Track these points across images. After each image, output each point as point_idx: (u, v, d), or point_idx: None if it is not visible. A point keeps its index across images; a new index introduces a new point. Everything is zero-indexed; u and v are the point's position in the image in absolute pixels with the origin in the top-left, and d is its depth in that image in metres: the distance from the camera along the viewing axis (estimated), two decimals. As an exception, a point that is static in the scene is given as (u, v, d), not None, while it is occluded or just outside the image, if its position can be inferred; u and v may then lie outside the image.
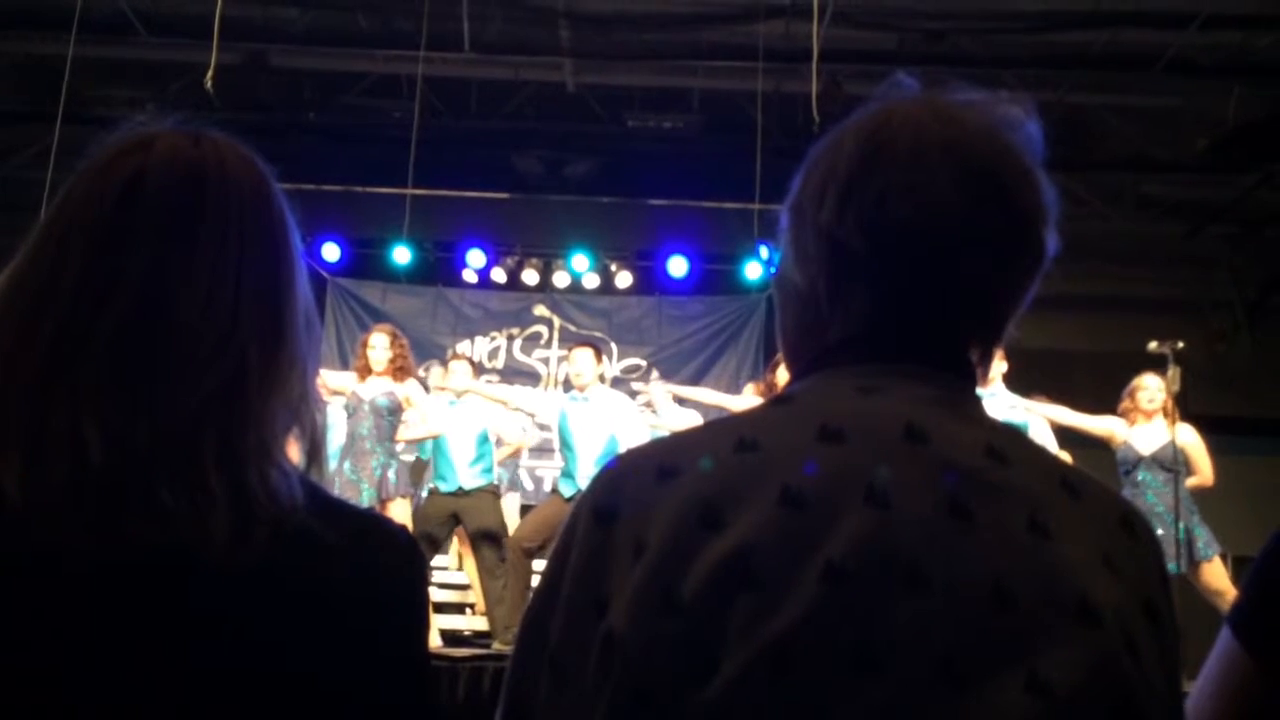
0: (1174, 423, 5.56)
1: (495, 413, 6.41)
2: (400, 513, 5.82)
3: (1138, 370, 5.91)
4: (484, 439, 6.22)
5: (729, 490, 0.71)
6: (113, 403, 0.74)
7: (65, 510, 0.71)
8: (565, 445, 6.09)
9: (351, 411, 5.79)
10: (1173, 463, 5.50)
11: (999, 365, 5.69)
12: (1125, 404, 5.82)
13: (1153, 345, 5.58)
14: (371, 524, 0.82)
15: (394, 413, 5.82)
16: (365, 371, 5.84)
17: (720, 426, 0.78)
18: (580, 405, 6.10)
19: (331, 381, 5.95)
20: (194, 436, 0.74)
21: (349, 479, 5.65)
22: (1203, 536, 5.57)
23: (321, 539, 0.76)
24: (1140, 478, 5.65)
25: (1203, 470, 5.72)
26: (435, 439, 6.18)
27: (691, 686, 0.66)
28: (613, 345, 9.81)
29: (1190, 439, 5.69)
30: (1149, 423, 5.73)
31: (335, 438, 5.83)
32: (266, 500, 0.75)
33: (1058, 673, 0.65)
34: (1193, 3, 7.02)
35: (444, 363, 7.20)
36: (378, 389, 5.79)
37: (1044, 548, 0.69)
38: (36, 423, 0.73)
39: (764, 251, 8.40)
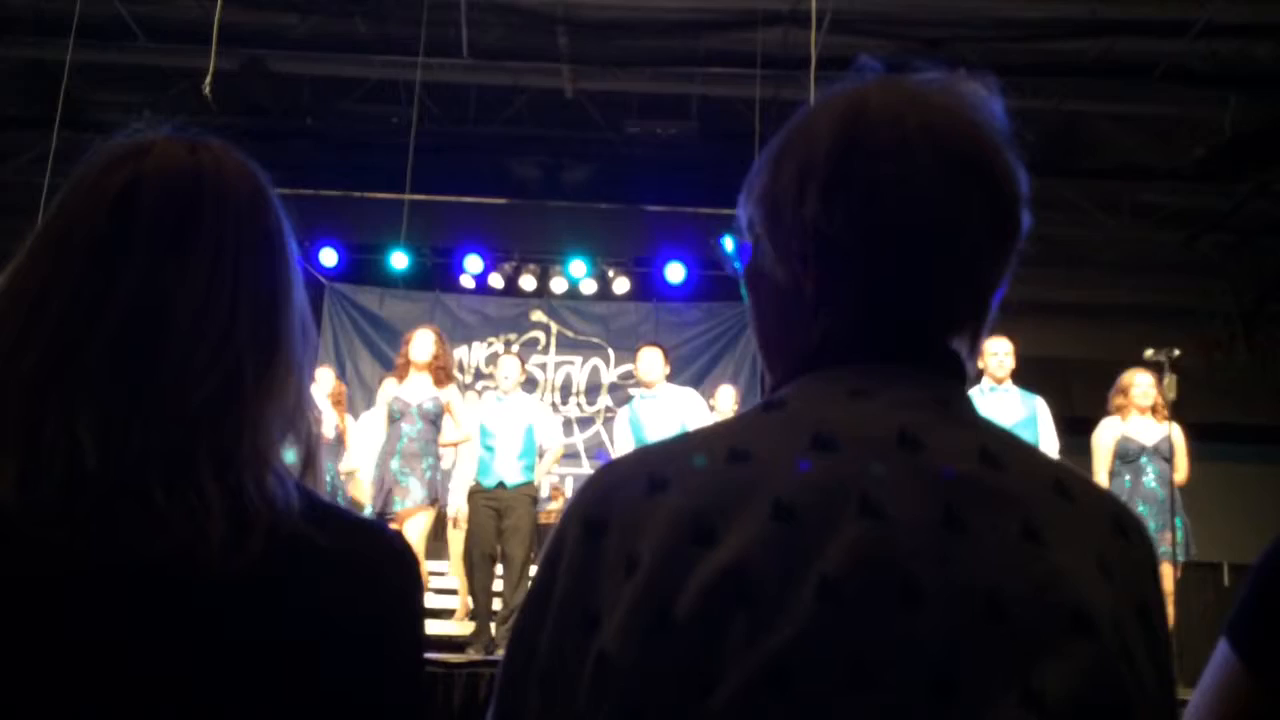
0: (1163, 419, 5.81)
1: (541, 413, 6.52)
2: (457, 510, 6.11)
3: (1135, 379, 5.99)
4: (530, 435, 6.27)
5: (721, 503, 0.69)
6: (108, 408, 0.74)
7: (61, 514, 0.71)
8: (639, 443, 6.12)
9: (398, 415, 5.88)
10: (1170, 455, 5.72)
11: (1009, 363, 5.79)
12: (1119, 400, 5.99)
13: (1149, 353, 5.66)
14: (367, 529, 0.82)
15: (439, 418, 5.96)
16: (405, 369, 5.95)
17: (711, 434, 0.76)
18: (649, 402, 6.35)
19: (385, 393, 6.09)
20: (190, 442, 0.74)
21: (398, 480, 5.75)
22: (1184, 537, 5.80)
23: (317, 544, 0.76)
24: (1143, 462, 5.84)
25: (1182, 469, 5.90)
26: (480, 435, 6.27)
27: (688, 707, 0.65)
28: (610, 351, 9.81)
29: (1179, 437, 5.88)
30: (1142, 417, 5.92)
31: (373, 440, 6.02)
32: (262, 506, 0.75)
33: (1053, 685, 0.64)
34: (1190, 11, 7.04)
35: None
36: (423, 393, 5.90)
37: (1039, 556, 0.68)
38: (32, 427, 0.73)
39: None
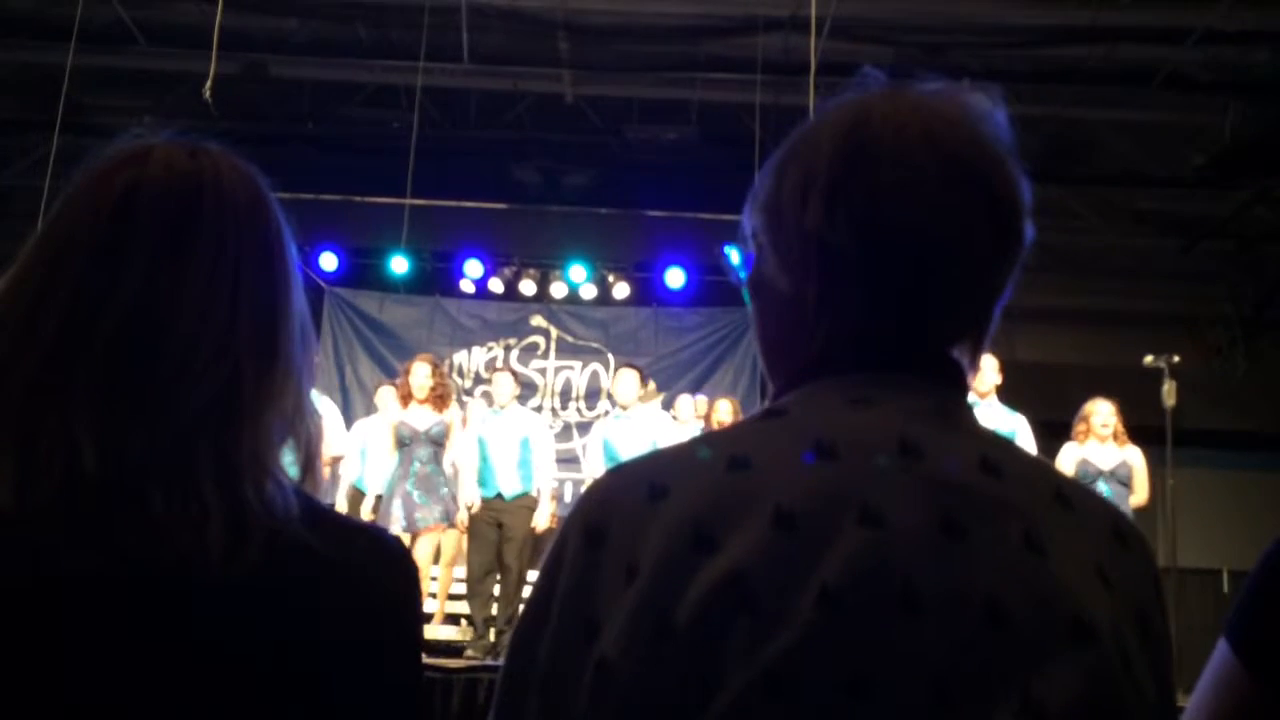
0: (1124, 444, 6.10)
1: (536, 425, 6.70)
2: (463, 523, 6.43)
3: (1133, 384, 6.02)
4: (526, 446, 6.49)
5: (721, 511, 0.69)
6: (107, 413, 0.74)
7: (59, 518, 0.71)
8: (610, 462, 6.23)
9: (408, 440, 6.26)
10: (1127, 479, 6.01)
11: (993, 378, 5.77)
12: (1080, 426, 6.21)
13: (1148, 359, 5.69)
14: (365, 536, 0.82)
15: (444, 438, 6.35)
16: (407, 400, 6.35)
17: (712, 441, 0.76)
18: (622, 423, 6.52)
19: (388, 414, 6.53)
20: (189, 447, 0.74)
21: (417, 501, 6.15)
22: None
23: (316, 550, 0.76)
24: (1099, 487, 5.99)
25: (1141, 490, 6.11)
26: (478, 447, 6.55)
27: (687, 713, 0.65)
28: (610, 356, 9.80)
29: (1139, 461, 6.10)
30: (1103, 445, 6.16)
31: (382, 464, 6.50)
32: (261, 511, 0.75)
33: (1052, 694, 0.64)
34: (1189, 18, 7.04)
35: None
36: (428, 420, 6.29)
37: (1039, 565, 0.68)
38: (31, 431, 0.73)
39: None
